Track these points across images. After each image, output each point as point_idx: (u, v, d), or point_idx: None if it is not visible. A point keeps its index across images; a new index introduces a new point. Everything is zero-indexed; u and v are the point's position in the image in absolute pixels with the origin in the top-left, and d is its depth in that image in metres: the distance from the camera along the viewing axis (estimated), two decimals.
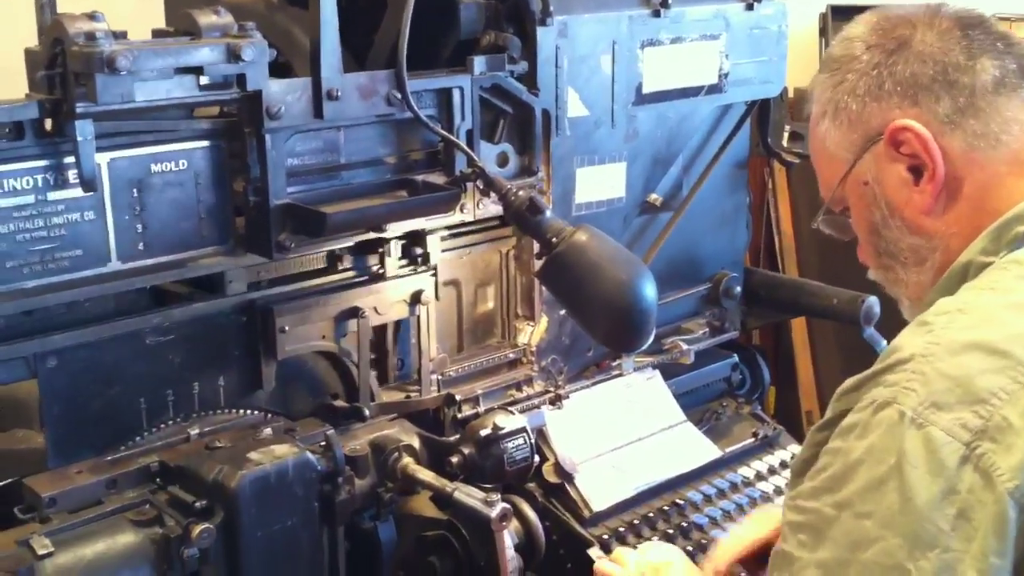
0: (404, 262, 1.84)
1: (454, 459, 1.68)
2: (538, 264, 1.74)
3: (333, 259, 1.77)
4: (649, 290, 1.68)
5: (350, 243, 1.75)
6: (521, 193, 1.71)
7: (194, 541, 1.44)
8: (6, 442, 1.71)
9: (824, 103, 1.36)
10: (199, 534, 1.44)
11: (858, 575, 1.09)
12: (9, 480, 1.58)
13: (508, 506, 1.57)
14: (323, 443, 1.58)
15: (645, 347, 1.76)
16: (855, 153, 1.33)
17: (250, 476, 1.47)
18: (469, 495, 1.58)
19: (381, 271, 1.80)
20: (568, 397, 2.05)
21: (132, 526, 1.48)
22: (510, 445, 1.69)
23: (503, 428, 1.69)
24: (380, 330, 1.85)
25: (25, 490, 1.51)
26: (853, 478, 1.11)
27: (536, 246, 1.93)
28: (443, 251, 1.89)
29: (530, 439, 1.72)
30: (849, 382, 1.20)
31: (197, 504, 1.47)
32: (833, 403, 1.20)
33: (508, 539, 1.62)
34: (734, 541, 1.58)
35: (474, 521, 1.71)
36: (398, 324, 1.87)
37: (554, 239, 1.69)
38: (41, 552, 1.41)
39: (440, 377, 1.90)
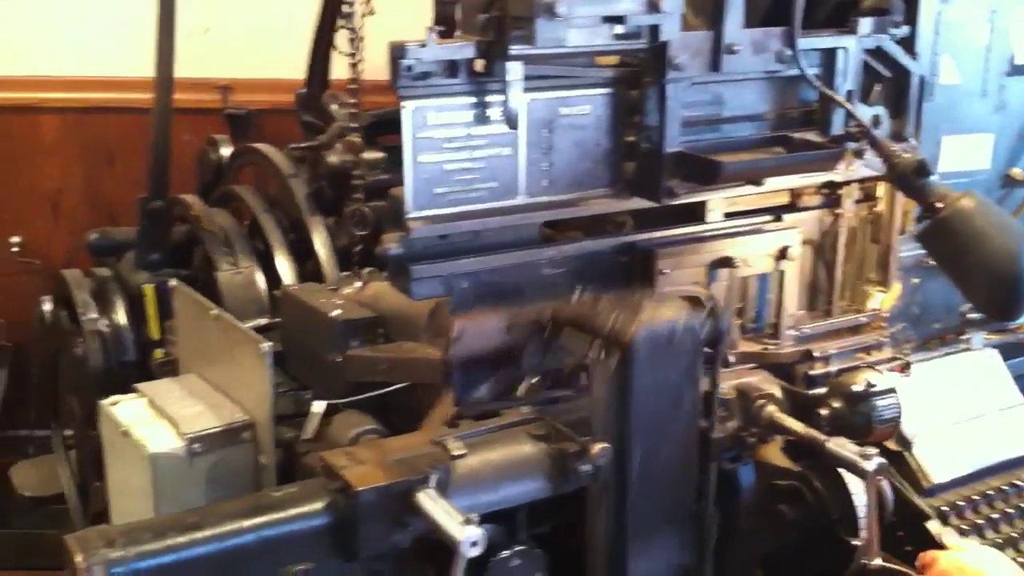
0: (770, 217, 1.89)
1: (823, 411, 1.72)
2: (919, 227, 1.74)
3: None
4: None
5: (730, 194, 1.81)
6: (907, 155, 1.72)
7: (593, 457, 1.54)
8: (397, 352, 1.86)
9: None
10: (598, 452, 1.54)
11: None
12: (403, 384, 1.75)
13: (885, 461, 1.60)
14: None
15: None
16: None
17: (646, 327, 1.52)
18: (843, 447, 1.62)
19: (754, 224, 1.85)
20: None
21: (530, 439, 1.61)
22: (880, 403, 1.71)
23: (875, 385, 1.71)
24: (741, 282, 1.90)
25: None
26: None
27: (894, 211, 1.96)
28: (807, 209, 1.93)
29: (899, 400, 1.73)
30: None
31: (595, 342, 1.54)
32: None
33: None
34: None
35: (832, 475, 1.76)
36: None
37: (939, 203, 1.69)
38: (455, 452, 1.55)
39: (796, 333, 1.93)
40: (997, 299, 1.69)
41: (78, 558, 1.36)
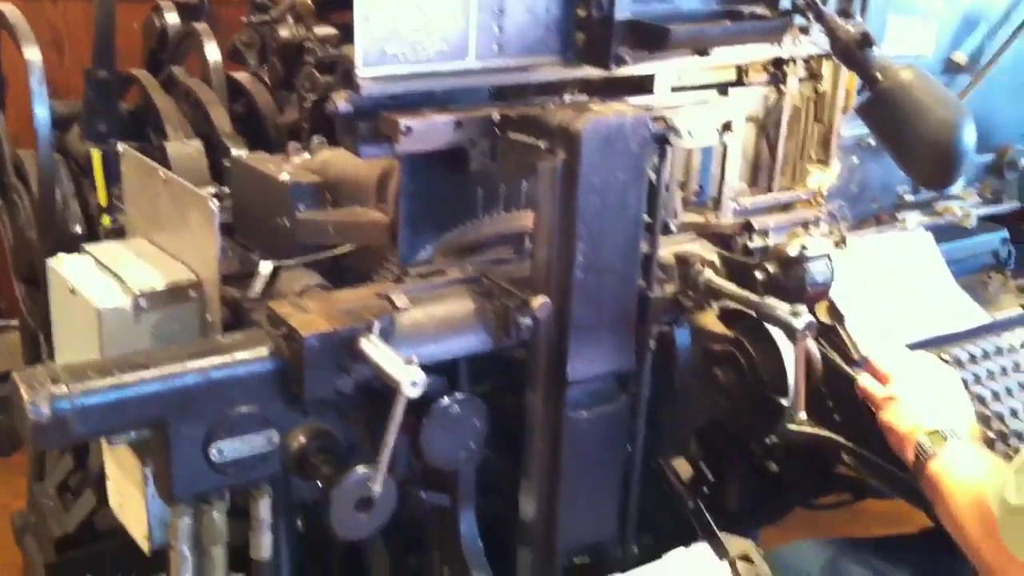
0: (715, 92, 1.93)
1: (759, 275, 1.77)
2: (860, 100, 1.78)
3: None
4: (970, 132, 1.71)
5: (677, 65, 1.83)
6: (851, 28, 1.75)
7: (534, 311, 1.57)
8: (345, 215, 1.88)
9: None
10: (539, 305, 1.58)
11: None
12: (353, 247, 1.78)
13: (813, 319, 1.65)
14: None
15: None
16: None
17: (594, 121, 1.53)
18: (776, 305, 1.67)
19: (700, 99, 1.89)
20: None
21: (474, 294, 1.65)
22: (813, 267, 1.76)
23: (808, 250, 1.76)
24: (686, 155, 1.94)
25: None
26: None
27: (838, 91, 1.99)
28: (752, 84, 1.96)
29: (831, 265, 1.78)
30: None
31: (541, 143, 1.55)
32: None
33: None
34: None
35: (766, 340, 1.81)
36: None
37: (880, 76, 1.73)
38: (400, 305, 1.59)
39: (737, 207, 1.98)
40: (934, 169, 1.74)
41: (25, 393, 1.38)
